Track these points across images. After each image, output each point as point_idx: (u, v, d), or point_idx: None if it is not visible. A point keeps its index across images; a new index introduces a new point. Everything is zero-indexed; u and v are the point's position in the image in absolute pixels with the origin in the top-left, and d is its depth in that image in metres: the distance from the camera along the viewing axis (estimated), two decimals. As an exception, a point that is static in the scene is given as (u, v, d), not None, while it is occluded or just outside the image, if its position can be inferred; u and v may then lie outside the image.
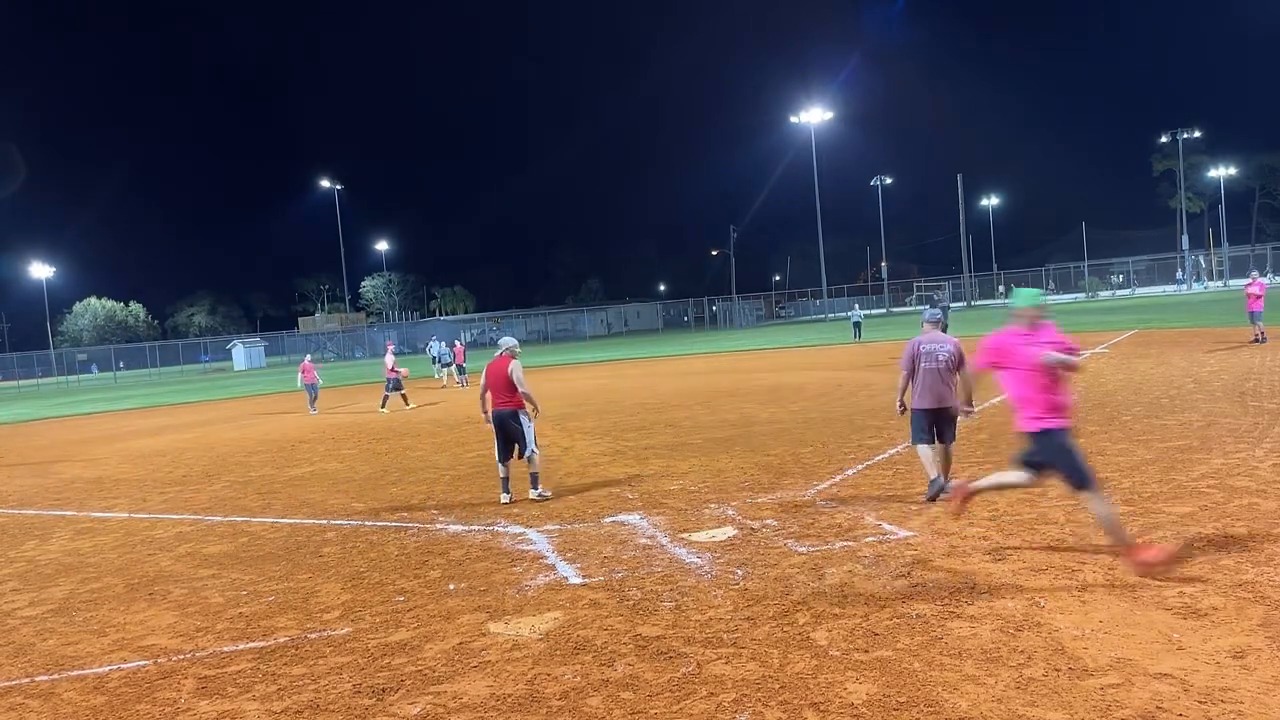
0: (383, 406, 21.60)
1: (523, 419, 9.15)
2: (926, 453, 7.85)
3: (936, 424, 7.80)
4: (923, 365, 7.81)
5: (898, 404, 8.22)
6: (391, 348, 23.32)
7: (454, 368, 28.24)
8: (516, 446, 9.18)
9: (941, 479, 7.82)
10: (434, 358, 36.43)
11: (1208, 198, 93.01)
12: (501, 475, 9.27)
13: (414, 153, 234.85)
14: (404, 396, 21.76)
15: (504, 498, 9.20)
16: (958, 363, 7.74)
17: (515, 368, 9.12)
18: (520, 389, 9.11)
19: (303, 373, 23.67)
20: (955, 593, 5.41)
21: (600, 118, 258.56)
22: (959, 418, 7.87)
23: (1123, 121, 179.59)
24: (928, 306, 31.67)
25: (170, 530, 9.41)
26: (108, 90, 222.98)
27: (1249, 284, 20.65)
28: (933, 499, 7.73)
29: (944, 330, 8.28)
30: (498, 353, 9.31)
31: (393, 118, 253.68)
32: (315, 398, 23.14)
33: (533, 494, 9.16)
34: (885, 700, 4.08)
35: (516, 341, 9.50)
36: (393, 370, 21.44)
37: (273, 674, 5.05)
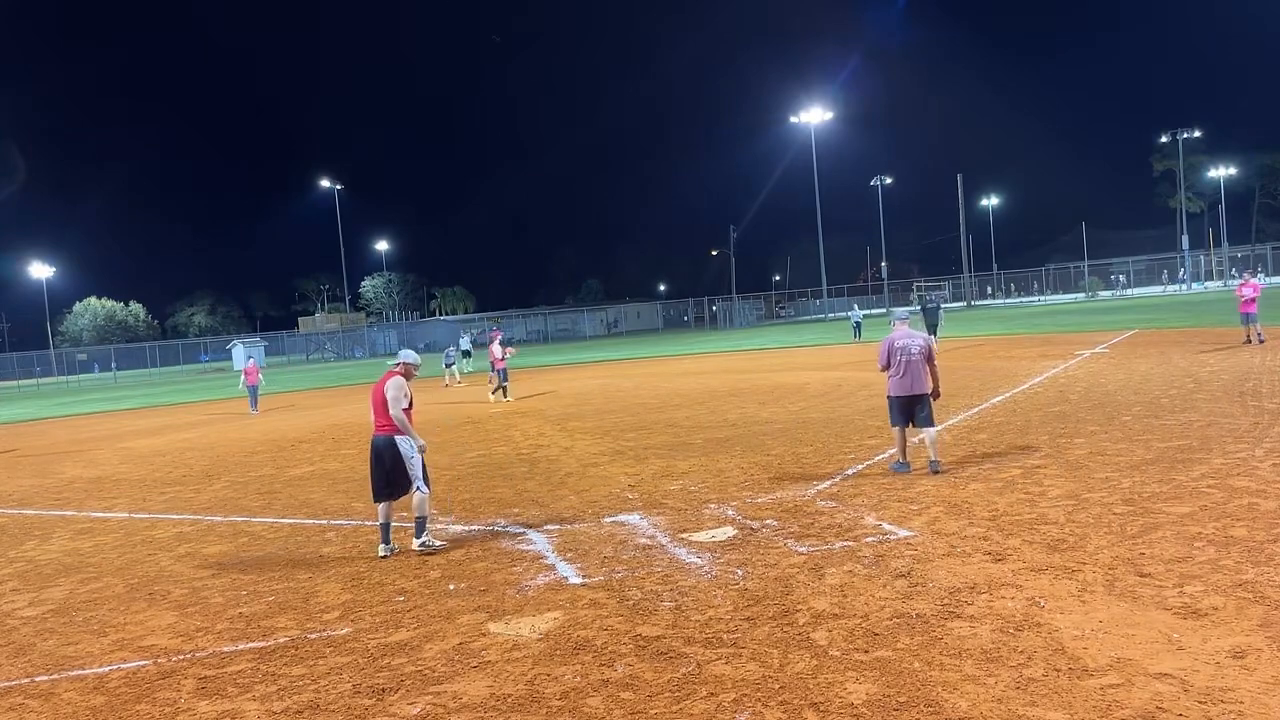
0: (506, 395, 21.61)
1: (403, 448, 7.53)
2: (900, 434, 9.18)
3: (911, 408, 9.02)
4: (899, 358, 9.00)
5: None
6: (499, 337, 23.24)
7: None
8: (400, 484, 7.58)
9: (906, 461, 9.19)
10: (465, 351, 36.58)
11: (1208, 198, 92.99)
12: (380, 520, 7.56)
13: (414, 152, 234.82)
14: (505, 389, 21.74)
15: (382, 549, 7.42)
16: (928, 355, 9.05)
17: (391, 385, 7.55)
18: (390, 410, 7.49)
19: (245, 375, 25.13)
20: (955, 593, 5.41)
21: (601, 118, 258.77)
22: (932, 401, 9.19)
23: (1123, 121, 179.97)
24: (917, 305, 31.85)
25: (170, 530, 9.41)
26: (108, 90, 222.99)
27: (1241, 285, 20.58)
28: (897, 472, 9.03)
29: (937, 329, 9.37)
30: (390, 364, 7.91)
31: (393, 117, 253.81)
32: (255, 399, 24.85)
33: (415, 544, 7.50)
34: (885, 700, 4.08)
35: (415, 358, 7.95)
36: (502, 359, 21.68)
37: (273, 674, 5.05)
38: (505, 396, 21.50)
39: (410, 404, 7.71)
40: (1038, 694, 4.02)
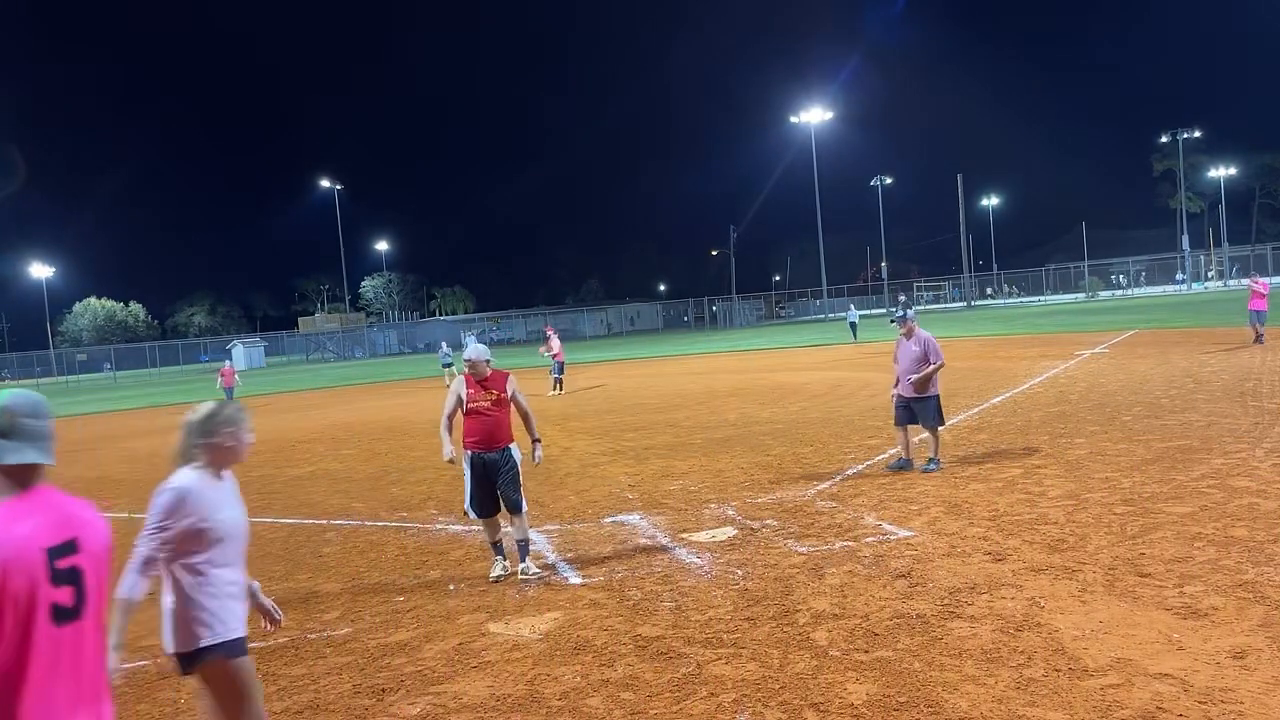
0: (555, 389, 22.25)
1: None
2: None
3: None
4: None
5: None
6: (552, 331, 23.65)
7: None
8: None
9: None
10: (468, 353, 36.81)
11: (1208, 198, 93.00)
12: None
13: (414, 152, 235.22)
14: (559, 381, 22.37)
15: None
16: None
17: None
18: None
19: (222, 376, 25.98)
20: (955, 593, 5.41)
21: (601, 118, 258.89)
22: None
23: (1123, 121, 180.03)
24: (903, 309, 32.04)
25: (170, 530, 9.39)
26: (108, 90, 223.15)
27: (1254, 282, 20.60)
28: (938, 470, 9.01)
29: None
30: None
31: (393, 117, 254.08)
32: (231, 399, 25.57)
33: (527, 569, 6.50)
34: (885, 700, 4.08)
35: (476, 353, 6.64)
36: (558, 354, 22.26)
37: (273, 674, 5.05)
38: (558, 389, 22.29)
39: (460, 407, 6.56)
40: (1038, 694, 4.02)
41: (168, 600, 3.13)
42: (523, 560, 6.53)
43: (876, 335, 37.11)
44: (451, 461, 6.68)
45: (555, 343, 22.60)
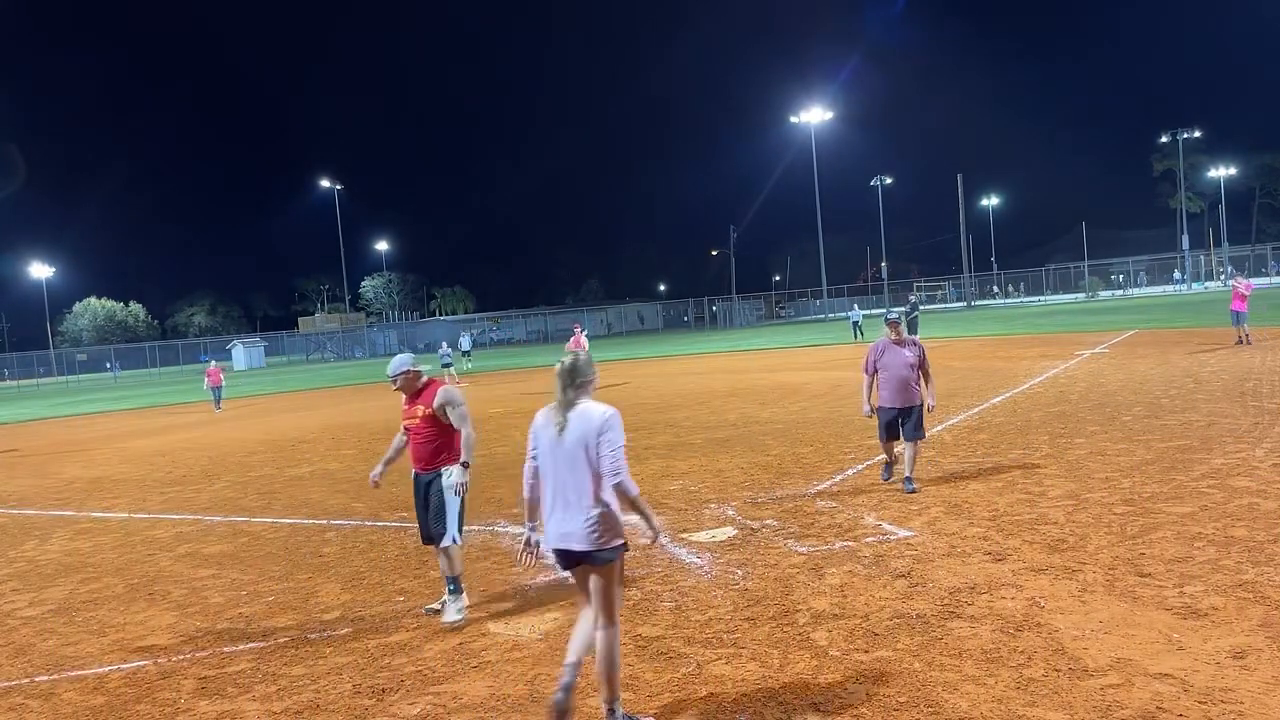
0: None
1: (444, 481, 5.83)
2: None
3: None
4: None
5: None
6: (579, 328, 24.09)
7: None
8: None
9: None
10: (465, 351, 37.06)
11: (1208, 198, 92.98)
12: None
13: (414, 153, 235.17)
14: None
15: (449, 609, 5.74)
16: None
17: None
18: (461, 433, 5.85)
19: (208, 376, 26.46)
20: (955, 593, 5.41)
21: (601, 118, 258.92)
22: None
23: (1122, 121, 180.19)
24: (914, 308, 31.98)
25: (170, 530, 9.41)
26: (108, 90, 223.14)
27: (1236, 282, 20.68)
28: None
29: (913, 330, 8.98)
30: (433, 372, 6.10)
31: (393, 118, 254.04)
32: (219, 399, 26.28)
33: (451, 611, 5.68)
34: (885, 700, 4.08)
35: (394, 365, 5.97)
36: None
37: (273, 674, 5.05)
38: None
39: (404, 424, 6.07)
40: (1038, 694, 4.02)
41: (596, 510, 3.92)
42: (443, 599, 5.81)
43: (878, 335, 37.10)
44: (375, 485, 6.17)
45: (573, 340, 23.05)
